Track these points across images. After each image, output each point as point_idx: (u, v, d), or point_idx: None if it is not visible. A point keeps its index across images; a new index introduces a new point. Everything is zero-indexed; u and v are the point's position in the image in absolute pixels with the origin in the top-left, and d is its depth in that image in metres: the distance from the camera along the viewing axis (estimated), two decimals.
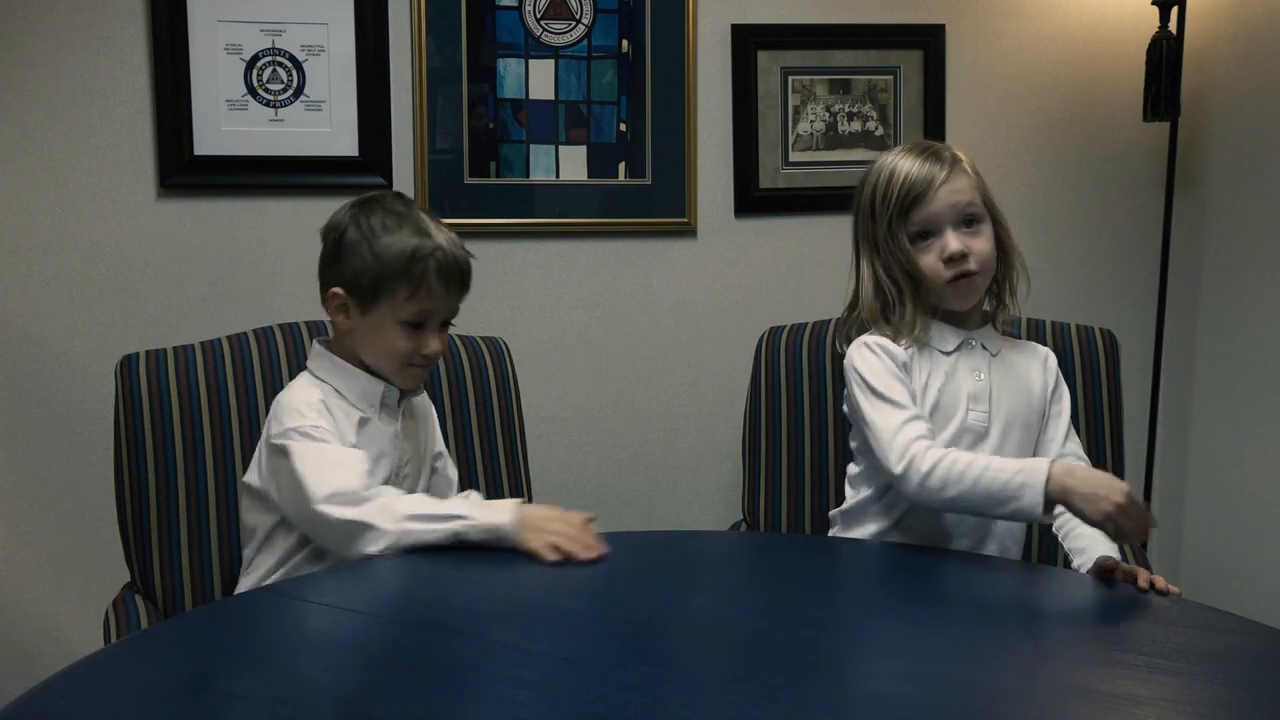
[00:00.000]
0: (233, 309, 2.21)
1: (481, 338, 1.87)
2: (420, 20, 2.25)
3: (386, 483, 1.48)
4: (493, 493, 1.78)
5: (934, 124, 2.47)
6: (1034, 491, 1.34)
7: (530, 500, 1.74)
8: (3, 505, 2.20)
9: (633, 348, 2.42)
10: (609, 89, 2.35)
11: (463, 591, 1.28)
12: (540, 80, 2.33)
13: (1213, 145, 2.50)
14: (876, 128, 2.46)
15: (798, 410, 1.89)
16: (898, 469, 1.44)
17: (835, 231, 2.40)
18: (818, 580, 1.36)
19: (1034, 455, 1.58)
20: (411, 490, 1.53)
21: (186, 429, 1.64)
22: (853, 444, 1.64)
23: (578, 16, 2.33)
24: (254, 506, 1.51)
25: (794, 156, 2.43)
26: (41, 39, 2.14)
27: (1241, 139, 2.43)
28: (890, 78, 2.45)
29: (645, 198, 2.38)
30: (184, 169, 2.19)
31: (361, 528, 1.35)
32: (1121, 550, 1.52)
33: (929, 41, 2.46)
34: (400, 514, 1.36)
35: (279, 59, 2.21)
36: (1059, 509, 1.42)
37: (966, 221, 1.52)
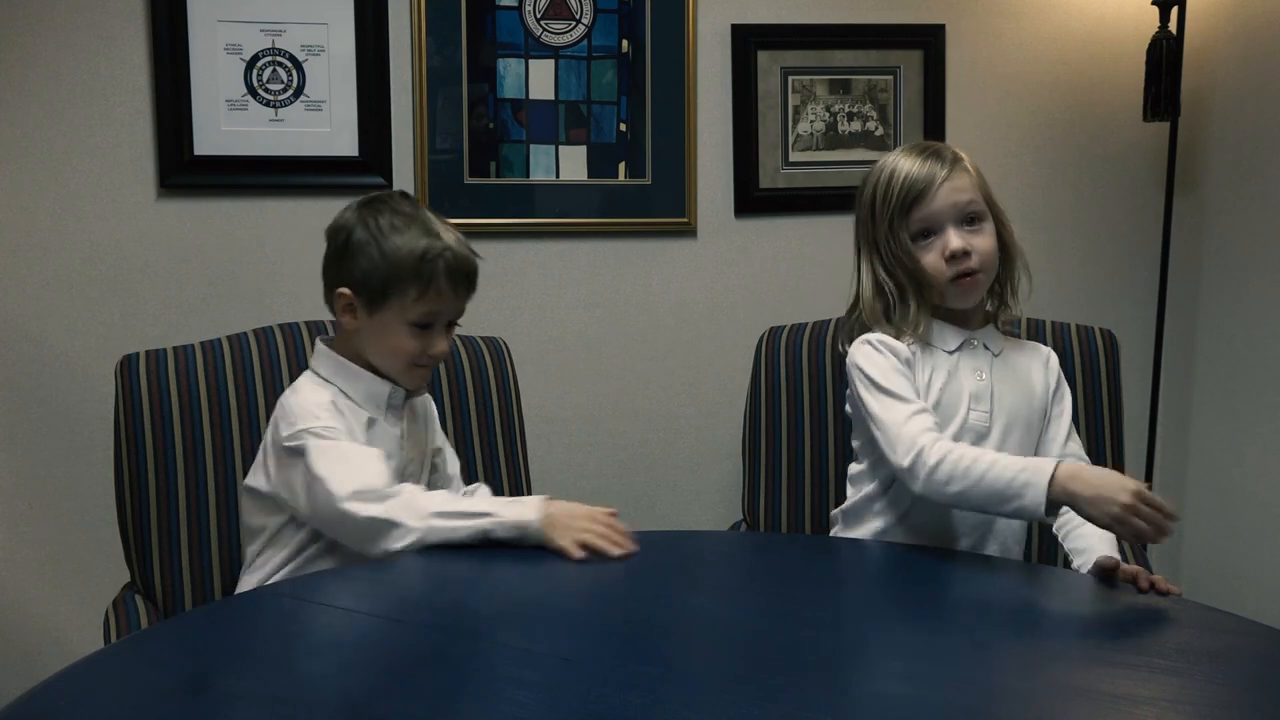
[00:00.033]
0: (233, 309, 2.21)
1: (481, 338, 1.87)
2: (420, 20, 2.25)
3: None
4: (493, 493, 1.78)
5: (934, 124, 2.47)
6: (1037, 490, 1.33)
7: None
8: (3, 505, 2.20)
9: (633, 348, 2.42)
10: (609, 89, 2.35)
11: (463, 592, 1.28)
12: (540, 80, 2.33)
13: (1213, 145, 2.50)
14: (876, 128, 2.46)
15: (798, 410, 1.89)
16: (905, 461, 1.43)
17: (835, 231, 2.41)
18: (818, 580, 1.36)
19: (1035, 455, 1.58)
20: None
21: (186, 429, 1.64)
22: (855, 443, 1.64)
23: (578, 16, 2.33)
24: (259, 508, 1.50)
25: (794, 156, 2.43)
26: (41, 39, 2.14)
27: (1241, 139, 2.43)
28: (890, 78, 2.45)
29: (645, 198, 2.38)
30: (184, 169, 2.19)
31: (387, 525, 1.35)
32: (1122, 550, 1.51)
33: (929, 41, 2.46)
34: (426, 511, 1.35)
35: (279, 59, 2.21)
36: (1064, 510, 1.42)
37: (968, 220, 1.52)
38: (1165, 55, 2.36)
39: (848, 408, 1.64)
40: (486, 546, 1.34)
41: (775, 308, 2.38)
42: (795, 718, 0.92)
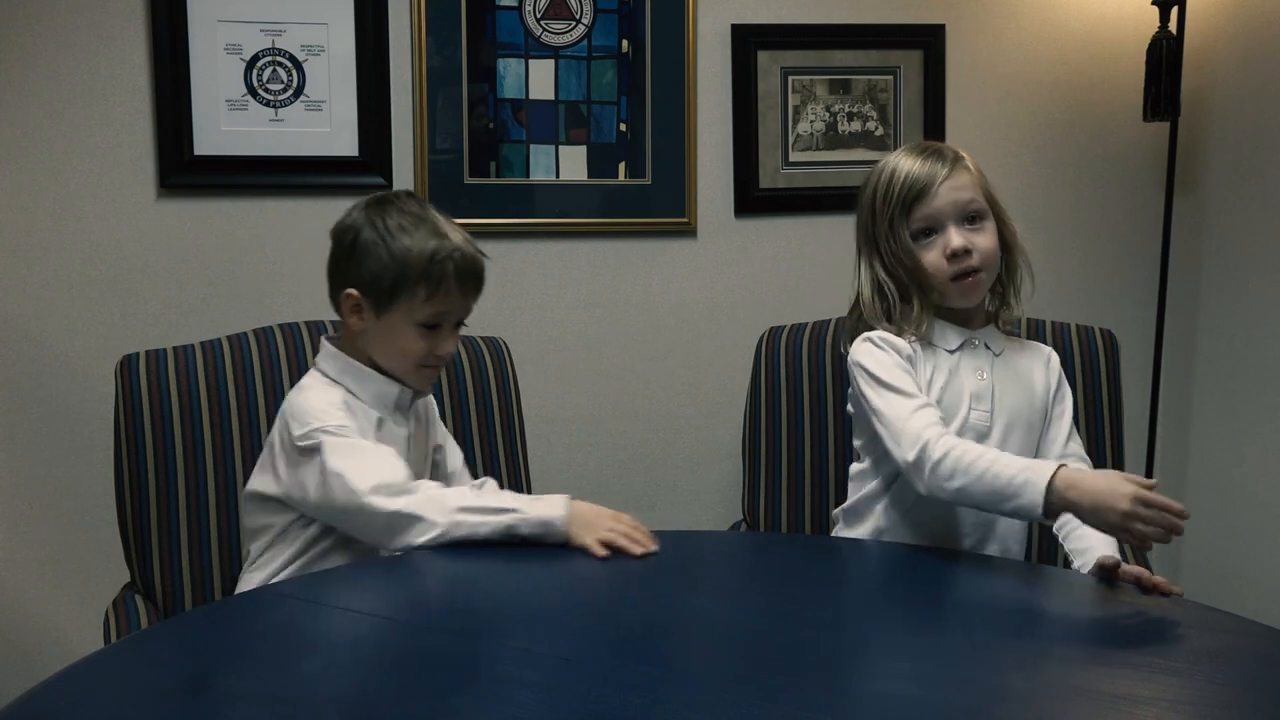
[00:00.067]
0: (233, 309, 2.21)
1: (481, 338, 1.87)
2: (420, 20, 2.25)
3: None
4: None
5: (934, 124, 2.47)
6: (1035, 491, 1.33)
7: None
8: (3, 505, 2.20)
9: (633, 348, 2.42)
10: (609, 89, 2.35)
11: (463, 592, 1.28)
12: (540, 80, 2.33)
13: (1213, 145, 2.50)
14: (876, 128, 2.46)
15: (798, 410, 1.89)
16: (910, 455, 1.43)
17: (835, 231, 2.41)
18: (818, 580, 1.36)
19: (1035, 456, 1.58)
20: None
21: (186, 429, 1.64)
22: (857, 442, 1.64)
23: (578, 16, 2.33)
24: (264, 510, 1.49)
25: (794, 156, 2.43)
26: (41, 39, 2.14)
27: (1241, 139, 2.43)
28: (890, 78, 2.45)
29: (645, 198, 2.38)
30: (184, 169, 2.19)
31: (410, 519, 1.34)
32: (1122, 550, 1.51)
33: (929, 41, 2.46)
34: (451, 506, 1.35)
35: (279, 59, 2.21)
36: (1065, 515, 1.41)
37: (969, 218, 1.52)
38: (1165, 55, 2.36)
39: (849, 407, 1.64)
40: (490, 546, 1.34)
41: (775, 308, 2.38)
42: (795, 718, 0.92)
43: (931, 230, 1.53)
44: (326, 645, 1.11)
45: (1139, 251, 2.57)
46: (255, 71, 2.21)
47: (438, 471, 1.63)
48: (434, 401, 1.67)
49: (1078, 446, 1.60)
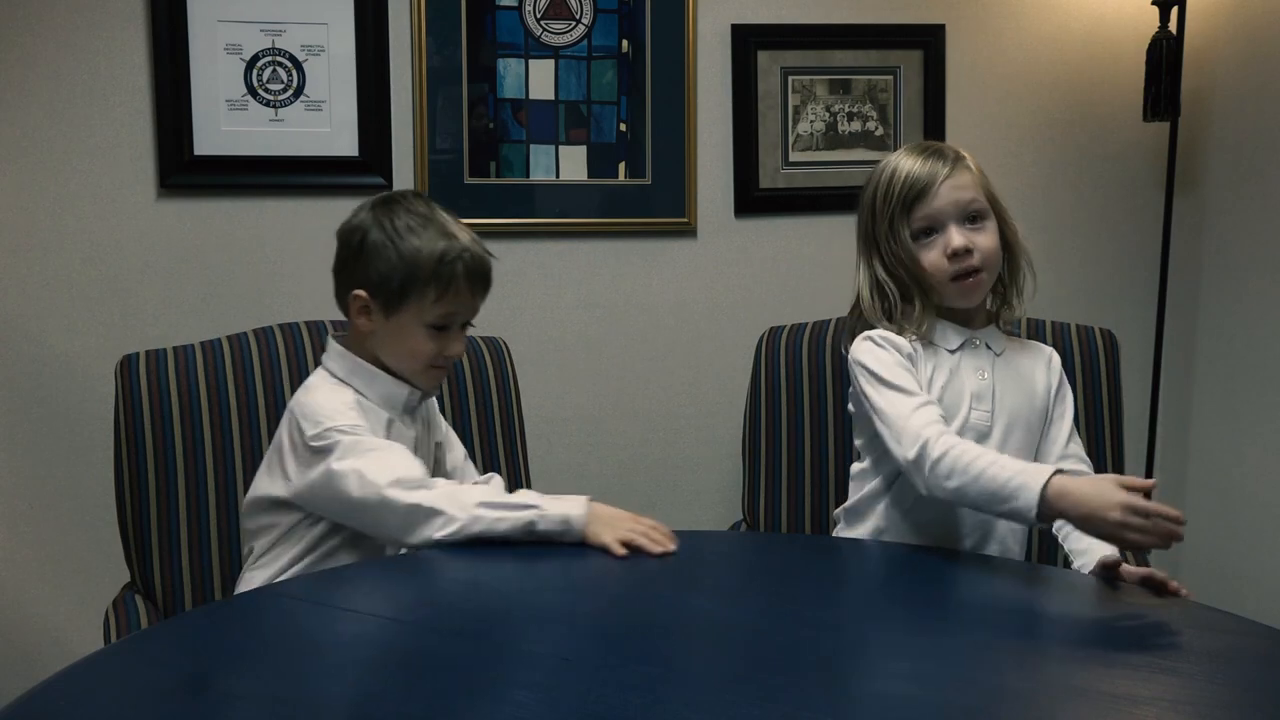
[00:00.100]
0: (233, 309, 2.21)
1: (481, 338, 1.87)
2: (420, 20, 2.25)
3: None
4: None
5: (934, 124, 2.47)
6: (1030, 495, 1.32)
7: None
8: (3, 505, 2.20)
9: (633, 348, 2.42)
10: (609, 89, 2.35)
11: (462, 592, 1.28)
12: (540, 80, 2.33)
13: (1213, 145, 2.50)
14: (876, 128, 2.46)
15: (798, 410, 1.89)
16: (910, 454, 1.42)
17: (835, 231, 2.41)
18: (818, 580, 1.36)
19: (1036, 456, 1.58)
20: None
21: (186, 429, 1.64)
22: (858, 442, 1.64)
23: (578, 16, 2.33)
24: (270, 510, 1.48)
25: (794, 156, 2.43)
26: (41, 39, 2.14)
27: (1241, 139, 2.43)
28: (890, 78, 2.45)
29: (645, 198, 2.38)
30: (184, 169, 2.19)
31: (429, 513, 1.34)
32: (1122, 553, 1.51)
33: (929, 41, 2.46)
34: (470, 501, 1.35)
35: (279, 59, 2.21)
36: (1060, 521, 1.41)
37: (970, 218, 1.52)
38: (1165, 55, 2.36)
39: (850, 406, 1.64)
40: (498, 544, 1.34)
41: (775, 308, 2.38)
42: (795, 718, 0.92)
43: (932, 230, 1.52)
44: (326, 645, 1.11)
45: (1139, 251, 2.57)
46: (255, 71, 2.21)
47: (439, 468, 1.63)
48: (433, 399, 1.67)
49: (1078, 448, 1.59)
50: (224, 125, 2.20)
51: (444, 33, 2.27)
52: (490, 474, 1.69)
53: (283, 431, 1.49)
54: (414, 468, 1.40)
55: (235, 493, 1.65)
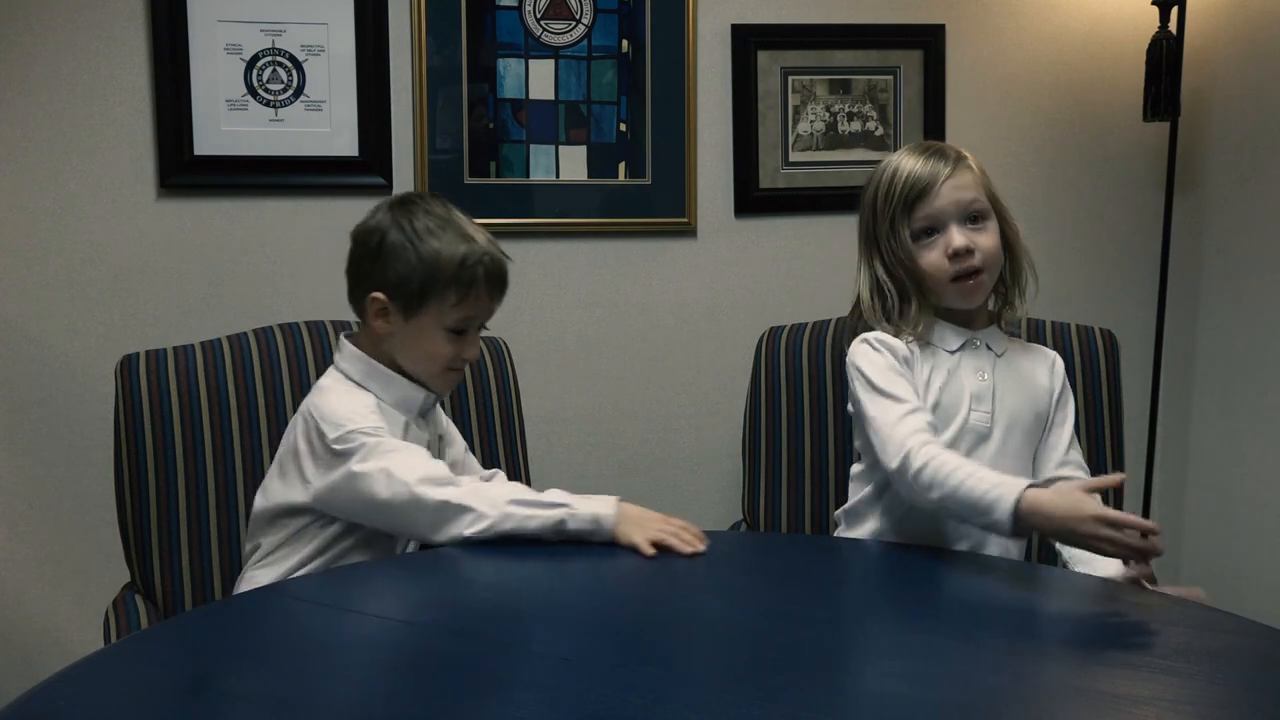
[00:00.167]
0: (233, 309, 2.21)
1: (482, 338, 1.86)
2: (420, 20, 2.25)
3: None
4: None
5: (934, 124, 2.47)
6: (1003, 509, 1.32)
7: None
8: (3, 505, 2.20)
9: (633, 348, 2.42)
10: (609, 89, 2.35)
11: (462, 592, 1.28)
12: (540, 80, 2.33)
13: (1213, 145, 2.50)
14: (876, 128, 2.46)
15: (798, 410, 1.89)
16: (894, 464, 1.43)
17: (835, 231, 2.41)
18: (818, 580, 1.36)
19: (1035, 461, 1.58)
20: None
21: (186, 429, 1.64)
22: (857, 443, 1.64)
23: (578, 16, 2.33)
24: (283, 510, 1.47)
25: (794, 156, 2.43)
26: (41, 39, 2.14)
27: (1241, 139, 2.43)
28: (890, 78, 2.45)
29: (645, 198, 2.38)
30: (184, 169, 2.19)
31: (459, 509, 1.34)
32: (1126, 562, 1.51)
33: (929, 41, 2.46)
34: (500, 499, 1.35)
35: (279, 59, 2.21)
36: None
37: (971, 218, 1.52)
38: (1165, 55, 2.36)
39: (849, 407, 1.64)
40: (496, 546, 1.34)
41: (775, 308, 2.38)
42: (795, 718, 0.92)
43: (933, 230, 1.52)
44: (326, 645, 1.11)
45: (1139, 251, 2.57)
46: (255, 71, 2.21)
47: None
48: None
49: (1077, 454, 1.59)
50: (224, 125, 2.20)
51: (444, 33, 2.27)
52: (494, 470, 1.69)
53: (296, 436, 1.47)
54: (440, 466, 1.40)
55: (235, 493, 1.65)
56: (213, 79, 2.18)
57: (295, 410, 1.63)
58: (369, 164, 2.25)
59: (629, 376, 2.43)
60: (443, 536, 1.35)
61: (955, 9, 2.47)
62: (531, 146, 2.33)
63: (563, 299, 2.38)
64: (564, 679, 0.99)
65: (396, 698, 0.96)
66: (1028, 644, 1.15)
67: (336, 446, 1.40)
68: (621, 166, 2.37)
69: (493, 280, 1.48)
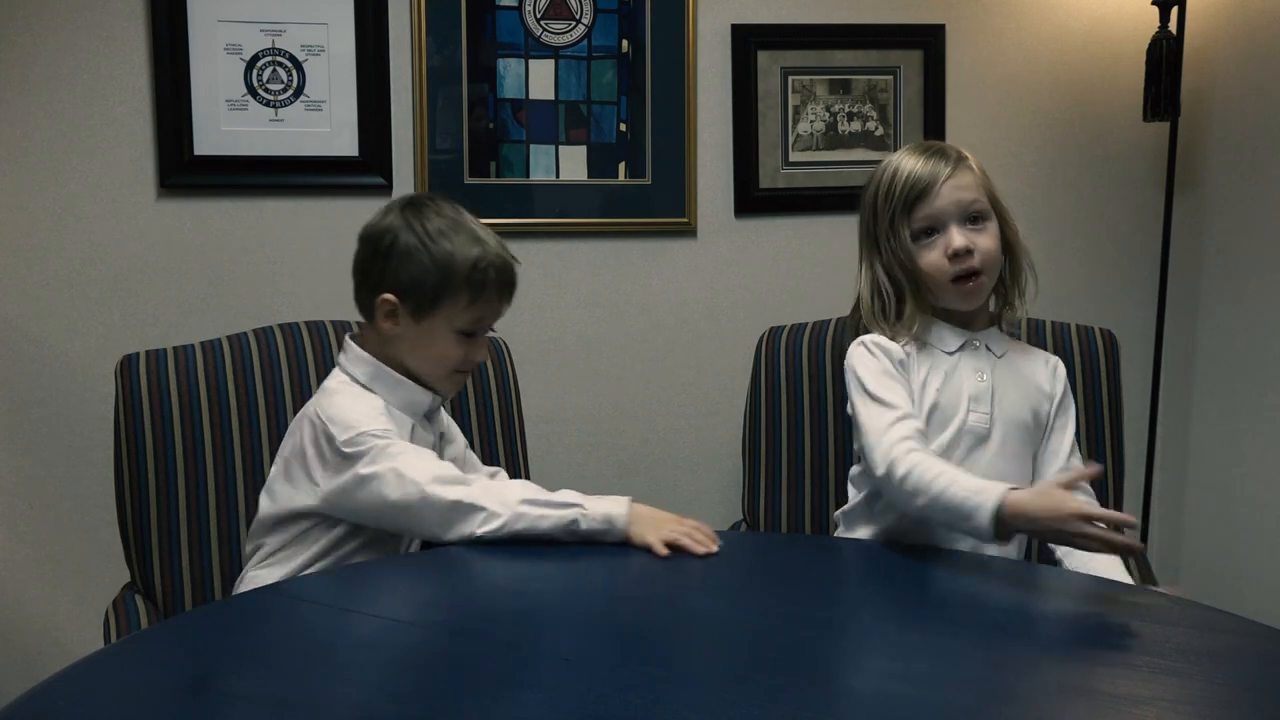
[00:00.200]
0: (233, 309, 2.21)
1: None
2: (420, 20, 2.25)
3: None
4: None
5: (934, 124, 2.47)
6: (984, 515, 1.33)
7: None
8: (3, 505, 2.20)
9: (633, 348, 2.42)
10: (609, 89, 2.35)
11: (462, 591, 1.28)
12: (540, 80, 2.33)
13: (1213, 145, 2.50)
14: (876, 128, 2.46)
15: (798, 410, 1.89)
16: (880, 471, 1.44)
17: (835, 231, 2.41)
18: (818, 580, 1.36)
19: (1037, 466, 1.57)
20: None
21: (186, 429, 1.64)
22: (856, 445, 1.64)
23: (578, 16, 2.33)
24: (291, 514, 1.46)
25: (794, 156, 2.43)
26: (41, 39, 2.14)
27: (1241, 139, 2.43)
28: (890, 78, 2.45)
29: (645, 198, 2.38)
30: (184, 169, 2.19)
31: (471, 508, 1.34)
32: (1127, 565, 1.51)
33: (929, 41, 2.46)
34: (513, 498, 1.35)
35: (279, 59, 2.21)
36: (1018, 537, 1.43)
37: (972, 219, 1.52)
38: (1165, 55, 2.36)
39: (849, 409, 1.64)
40: (497, 546, 1.34)
41: (775, 308, 2.38)
42: (795, 718, 0.92)
43: (933, 230, 1.52)
44: (326, 645, 1.11)
45: (1139, 251, 2.57)
46: (255, 71, 2.21)
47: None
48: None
49: (1078, 462, 1.58)
50: (224, 125, 2.20)
51: (444, 33, 2.27)
52: (496, 468, 1.69)
53: (303, 439, 1.46)
54: (450, 466, 1.40)
55: (235, 493, 1.65)
56: (213, 79, 2.18)
57: (295, 410, 1.63)
58: (369, 164, 2.25)
59: (629, 376, 2.43)
60: (454, 536, 1.35)
61: (955, 9, 2.47)
62: (531, 146, 2.33)
63: (563, 299, 2.38)
64: (564, 679, 0.99)
65: (396, 697, 0.96)
66: (1027, 644, 1.15)
67: (346, 449, 1.40)
68: (621, 166, 2.37)
69: (504, 283, 1.48)
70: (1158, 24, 2.38)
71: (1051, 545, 1.54)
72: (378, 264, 1.47)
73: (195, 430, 1.65)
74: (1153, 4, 2.37)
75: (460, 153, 2.30)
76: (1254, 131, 2.39)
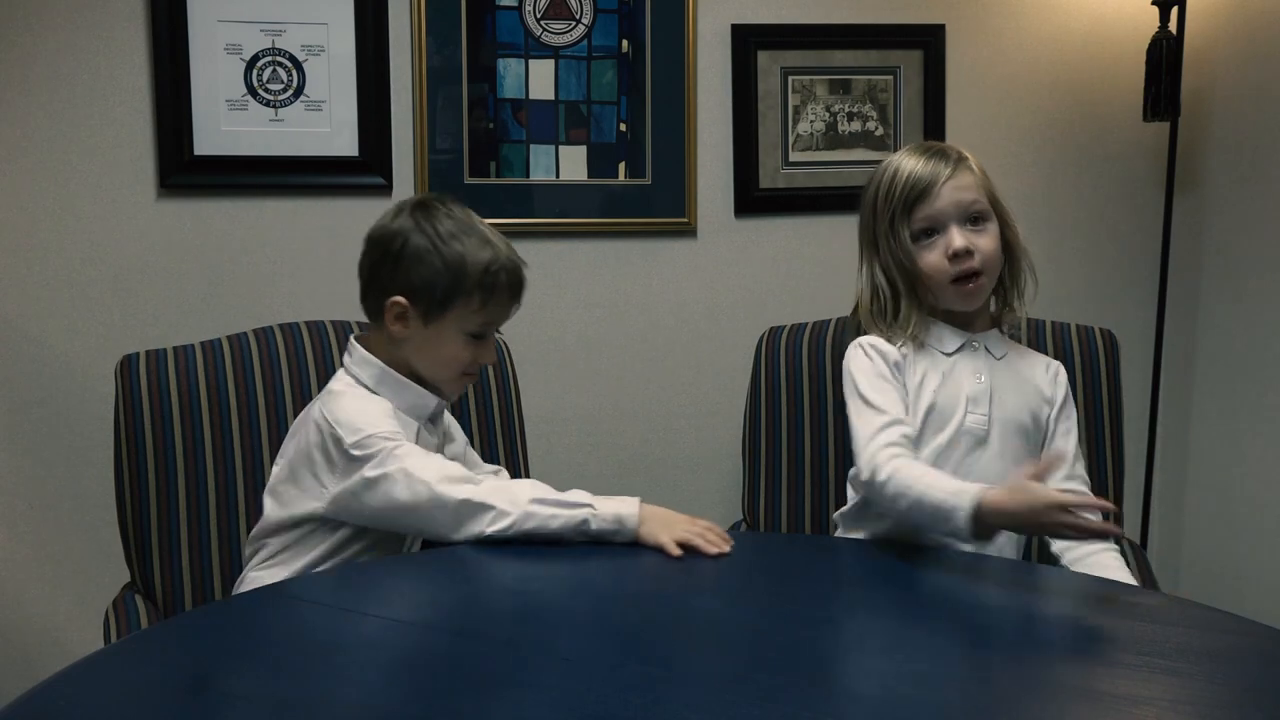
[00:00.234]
0: (233, 309, 2.21)
1: None
2: (420, 20, 2.25)
3: None
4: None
5: (934, 124, 2.47)
6: (961, 516, 1.33)
7: None
8: (3, 505, 2.20)
9: (633, 348, 2.42)
10: (609, 89, 2.35)
11: (462, 591, 1.28)
12: (540, 80, 2.33)
13: (1213, 145, 2.50)
14: (876, 128, 2.46)
15: (798, 410, 1.89)
16: (864, 476, 1.44)
17: (835, 231, 2.41)
18: (818, 580, 1.36)
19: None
20: None
21: (186, 429, 1.64)
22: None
23: (578, 16, 2.33)
24: (296, 516, 1.46)
25: (794, 156, 2.43)
26: (41, 39, 2.14)
27: (1241, 139, 2.43)
28: (890, 78, 2.45)
29: (645, 198, 2.38)
30: (184, 169, 2.19)
31: (480, 507, 1.34)
32: (1128, 561, 1.52)
33: (929, 41, 2.46)
34: (522, 497, 1.35)
35: (279, 59, 2.21)
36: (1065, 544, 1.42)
37: (972, 219, 1.51)
38: (1165, 55, 2.36)
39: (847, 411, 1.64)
40: (496, 546, 1.34)
41: (775, 308, 2.38)
42: (795, 718, 0.92)
43: (934, 230, 1.52)
44: (326, 645, 1.11)
45: (1139, 251, 2.57)
46: (255, 71, 2.21)
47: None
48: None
49: (1081, 469, 1.58)
50: (224, 125, 2.20)
51: (444, 33, 2.27)
52: (497, 467, 1.69)
53: (309, 443, 1.46)
54: (458, 466, 1.40)
55: (235, 493, 1.65)
56: (213, 79, 2.18)
57: (296, 410, 1.63)
58: (369, 164, 2.25)
59: (629, 376, 2.43)
60: (463, 535, 1.34)
61: (955, 9, 2.47)
62: (531, 146, 2.33)
63: (563, 299, 2.38)
64: (564, 679, 0.99)
65: (395, 697, 0.96)
66: (1027, 644, 1.15)
67: (354, 452, 1.39)
68: (621, 166, 2.37)
69: (514, 286, 1.49)
70: (1158, 24, 2.38)
71: (1054, 551, 1.54)
72: (387, 266, 1.47)
73: (195, 430, 1.65)
74: (1153, 4, 2.37)
75: (460, 153, 2.30)
76: (1254, 131, 2.39)
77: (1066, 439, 1.58)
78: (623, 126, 2.36)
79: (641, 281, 2.41)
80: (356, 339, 1.52)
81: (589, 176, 2.36)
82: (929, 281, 1.53)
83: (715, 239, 2.42)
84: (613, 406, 2.42)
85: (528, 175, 2.33)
